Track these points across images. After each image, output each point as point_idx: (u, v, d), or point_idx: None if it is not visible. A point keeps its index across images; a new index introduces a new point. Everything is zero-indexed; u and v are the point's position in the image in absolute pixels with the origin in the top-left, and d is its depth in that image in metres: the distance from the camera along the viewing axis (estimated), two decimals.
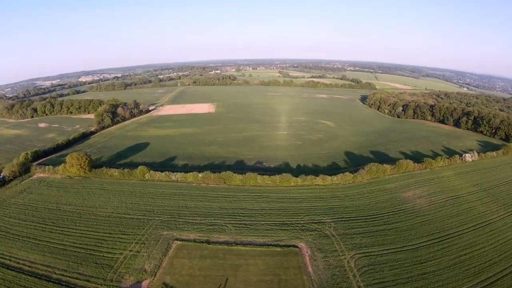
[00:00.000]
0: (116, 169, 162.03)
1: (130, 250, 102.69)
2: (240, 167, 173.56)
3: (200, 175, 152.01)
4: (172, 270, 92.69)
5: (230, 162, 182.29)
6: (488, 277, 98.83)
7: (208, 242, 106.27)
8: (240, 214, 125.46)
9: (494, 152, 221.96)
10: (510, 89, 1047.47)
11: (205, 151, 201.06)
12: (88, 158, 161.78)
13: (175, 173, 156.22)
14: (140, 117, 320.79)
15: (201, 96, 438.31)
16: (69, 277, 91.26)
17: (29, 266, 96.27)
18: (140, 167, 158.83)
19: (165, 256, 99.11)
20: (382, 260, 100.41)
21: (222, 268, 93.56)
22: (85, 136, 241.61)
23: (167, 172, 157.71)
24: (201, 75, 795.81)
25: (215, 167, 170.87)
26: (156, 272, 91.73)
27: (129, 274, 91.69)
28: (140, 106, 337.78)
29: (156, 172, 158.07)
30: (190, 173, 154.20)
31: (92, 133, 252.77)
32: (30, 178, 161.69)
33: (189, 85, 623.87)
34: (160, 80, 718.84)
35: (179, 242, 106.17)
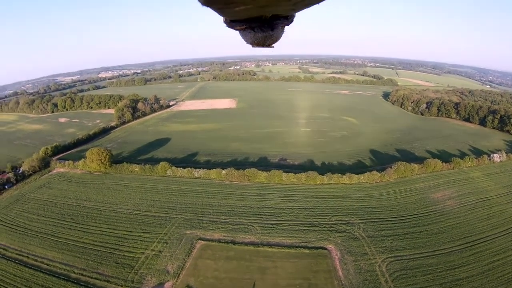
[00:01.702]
0: (137, 165, 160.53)
1: (152, 250, 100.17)
2: (264, 164, 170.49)
3: (223, 172, 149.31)
4: (196, 271, 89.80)
5: (254, 159, 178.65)
6: None
7: (234, 242, 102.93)
8: (266, 213, 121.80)
9: None
10: None
11: (227, 147, 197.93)
12: (108, 153, 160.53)
13: (197, 170, 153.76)
14: (161, 112, 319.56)
15: (221, 92, 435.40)
16: (88, 276, 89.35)
17: (47, 264, 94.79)
18: (161, 163, 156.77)
19: (188, 256, 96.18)
20: (414, 265, 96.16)
21: (249, 271, 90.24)
22: (105, 131, 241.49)
23: (189, 168, 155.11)
24: (220, 70, 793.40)
25: (238, 164, 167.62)
26: (179, 274, 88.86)
27: (151, 275, 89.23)
28: (161, 101, 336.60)
29: (178, 168, 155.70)
30: (213, 169, 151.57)
31: (113, 128, 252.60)
32: (50, 173, 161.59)
33: (209, 80, 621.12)
34: (180, 76, 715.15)
35: (203, 242, 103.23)
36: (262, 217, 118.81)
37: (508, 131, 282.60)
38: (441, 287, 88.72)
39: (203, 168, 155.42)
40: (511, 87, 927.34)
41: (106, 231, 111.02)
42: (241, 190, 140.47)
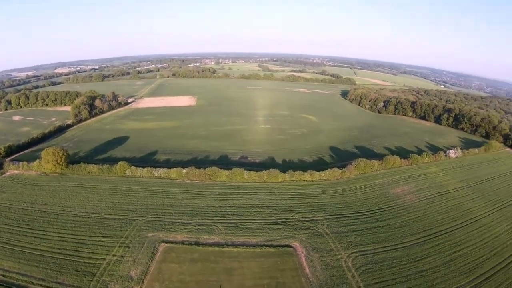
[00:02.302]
0: (95, 165, 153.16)
1: (114, 255, 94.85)
2: (224, 162, 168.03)
3: (184, 171, 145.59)
4: (161, 276, 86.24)
5: (214, 157, 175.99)
6: (482, 273, 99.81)
7: (198, 244, 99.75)
8: (229, 213, 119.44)
9: (476, 149, 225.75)
10: (485, 87, 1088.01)
11: (187, 145, 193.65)
12: (64, 153, 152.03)
13: (157, 169, 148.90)
14: (119, 109, 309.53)
15: (181, 89, 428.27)
16: (47, 287, 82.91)
17: (3, 276, 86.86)
18: (120, 163, 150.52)
19: (152, 260, 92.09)
20: (379, 259, 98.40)
21: (215, 273, 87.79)
22: (61, 130, 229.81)
23: (149, 168, 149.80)
24: (180, 67, 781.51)
25: (199, 162, 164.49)
26: (143, 279, 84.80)
27: (113, 282, 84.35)
28: (119, 98, 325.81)
29: (138, 168, 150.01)
30: (174, 169, 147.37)
31: (69, 126, 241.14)
32: (3, 175, 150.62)
33: (168, 77, 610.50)
34: (139, 72, 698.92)
35: (166, 244, 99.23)
36: (225, 217, 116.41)
37: (462, 129, 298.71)
38: (406, 279, 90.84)
39: (163, 168, 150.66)
40: (464, 87, 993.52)
41: (64, 237, 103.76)
42: (202, 189, 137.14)
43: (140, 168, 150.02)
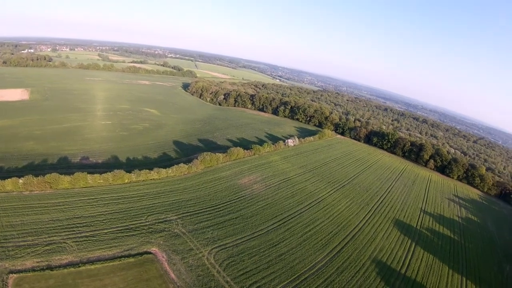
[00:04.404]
0: None
1: None
2: (65, 166, 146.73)
3: (20, 181, 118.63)
4: None
5: (53, 160, 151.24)
6: (334, 246, 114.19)
7: (50, 268, 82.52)
8: (77, 225, 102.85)
9: (311, 137, 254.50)
10: (316, 82, 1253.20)
11: (21, 149, 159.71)
12: None
13: None
14: None
15: (12, 80, 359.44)
16: None
17: None
18: None
19: None
20: (239, 250, 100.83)
21: None
22: None
23: None
24: (12, 54, 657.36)
25: (36, 168, 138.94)
26: None
27: None
28: None
29: None
30: (8, 179, 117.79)
31: None
32: None
33: None
34: None
35: (15, 275, 78.80)
36: (74, 230, 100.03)
37: (297, 119, 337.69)
38: (268, 265, 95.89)
39: None
40: (297, 81, 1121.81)
41: None
42: (44, 201, 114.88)
43: None
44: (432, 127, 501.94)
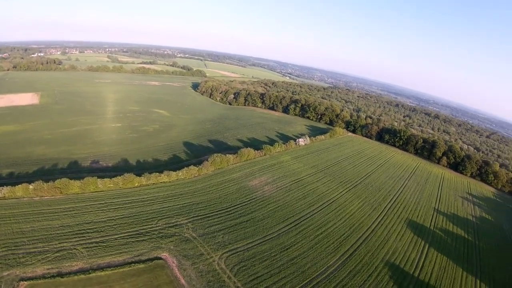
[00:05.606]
0: None
1: None
2: (75, 170, 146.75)
3: (31, 186, 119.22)
4: None
5: (63, 165, 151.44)
6: (346, 249, 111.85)
7: (61, 274, 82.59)
8: (88, 230, 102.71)
9: (322, 136, 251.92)
10: (326, 78, 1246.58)
11: (32, 153, 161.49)
12: None
13: (0, 187, 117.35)
14: None
15: (23, 84, 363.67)
16: None
17: None
18: None
19: None
20: (250, 255, 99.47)
21: None
22: None
23: None
24: (22, 58, 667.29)
25: (47, 173, 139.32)
26: None
27: None
28: None
29: None
30: (19, 185, 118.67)
31: None
32: None
33: (8, 70, 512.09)
34: None
35: (26, 283, 78.90)
36: (84, 236, 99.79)
37: (308, 117, 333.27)
38: (279, 269, 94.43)
39: (7, 185, 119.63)
40: (307, 78, 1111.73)
41: None
42: (54, 207, 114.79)
43: None
44: (444, 122, 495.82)
